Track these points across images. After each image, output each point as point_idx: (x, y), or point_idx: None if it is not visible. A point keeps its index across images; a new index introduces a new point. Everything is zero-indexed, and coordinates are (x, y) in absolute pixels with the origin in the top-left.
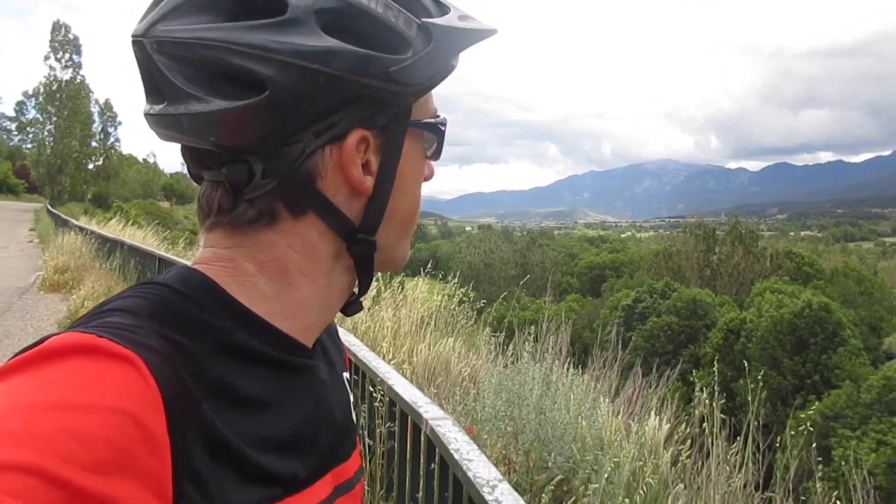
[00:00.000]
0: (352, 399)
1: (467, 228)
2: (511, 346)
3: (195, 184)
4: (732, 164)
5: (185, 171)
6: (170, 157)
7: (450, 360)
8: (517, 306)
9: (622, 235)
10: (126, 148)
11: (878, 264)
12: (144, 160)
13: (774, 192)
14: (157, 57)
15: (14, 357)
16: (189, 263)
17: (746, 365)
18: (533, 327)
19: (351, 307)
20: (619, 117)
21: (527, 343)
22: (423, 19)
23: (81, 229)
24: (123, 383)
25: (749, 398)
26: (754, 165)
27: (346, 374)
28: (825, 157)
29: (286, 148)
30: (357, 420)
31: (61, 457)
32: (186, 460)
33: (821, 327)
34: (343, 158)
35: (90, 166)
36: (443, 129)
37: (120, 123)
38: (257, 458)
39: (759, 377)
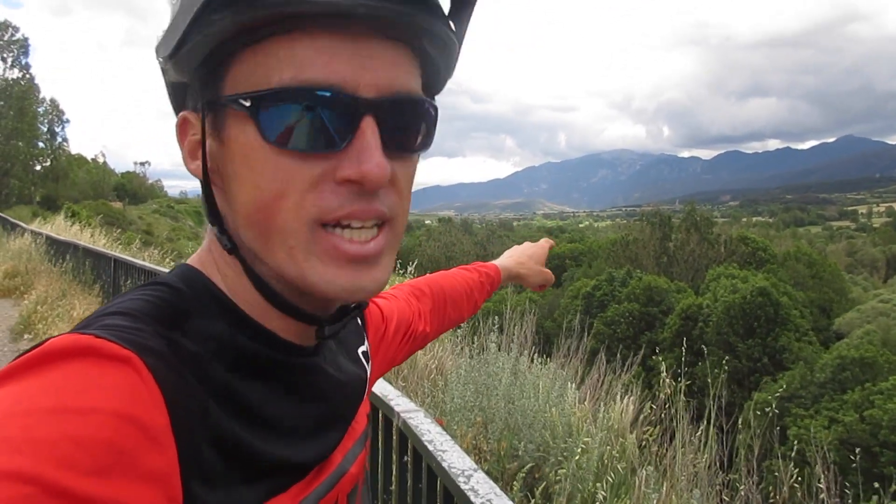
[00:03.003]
0: (369, 372)
1: (427, 222)
2: (476, 338)
3: (147, 183)
4: (685, 153)
5: (137, 169)
6: (121, 156)
7: (416, 354)
8: None
9: (580, 225)
10: (75, 147)
11: (826, 247)
12: (94, 160)
13: (726, 180)
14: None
15: (13, 360)
16: (188, 261)
17: (705, 349)
18: (497, 318)
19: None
20: (574, 108)
21: (492, 334)
22: None
23: (31, 232)
24: (122, 385)
25: (709, 381)
26: (706, 154)
27: (361, 349)
28: (774, 144)
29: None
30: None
31: (60, 462)
32: (194, 459)
33: (763, 311)
34: (177, 140)
35: (37, 168)
36: (271, 110)
37: (68, 122)
38: (264, 452)
39: (723, 361)
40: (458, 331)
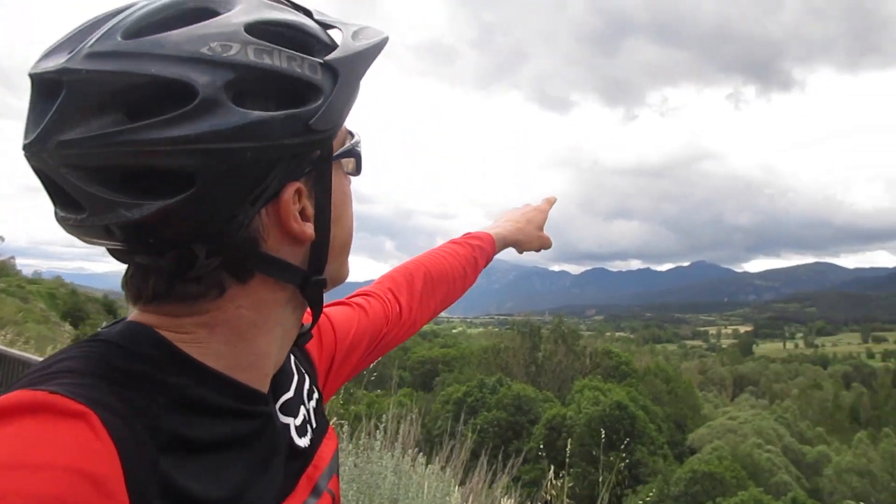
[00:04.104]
0: (314, 401)
1: None
2: (361, 436)
3: None
4: (556, 267)
5: None
6: None
7: None
8: (350, 399)
9: (454, 331)
10: None
11: (681, 364)
12: None
13: (592, 295)
14: (64, 170)
15: None
16: (131, 317)
17: (567, 461)
18: (383, 417)
19: (303, 338)
20: (453, 216)
21: (377, 433)
22: (326, 58)
23: None
24: (76, 440)
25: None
26: (575, 269)
27: (286, 397)
28: (636, 264)
29: (226, 225)
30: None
31: None
32: None
33: (622, 425)
34: (281, 215)
35: None
36: (359, 148)
37: None
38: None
39: (578, 472)
40: (341, 428)
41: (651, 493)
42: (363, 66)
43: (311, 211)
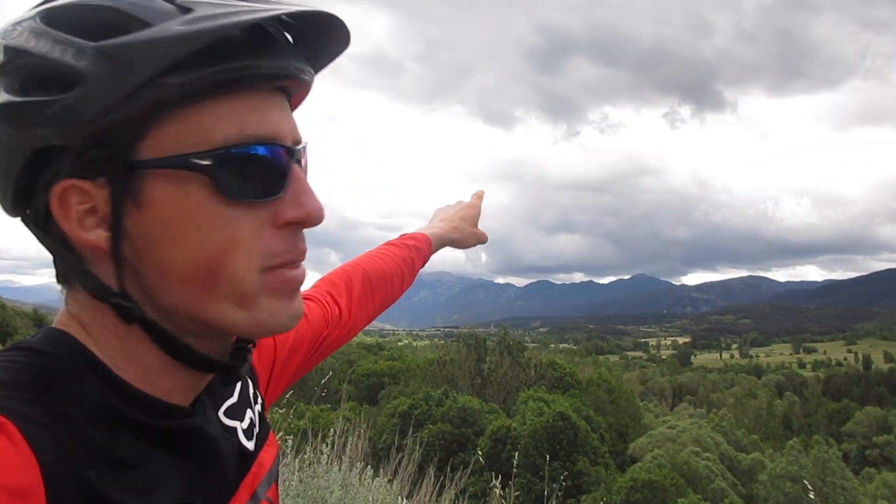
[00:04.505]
0: (258, 406)
1: None
2: (306, 451)
3: None
4: (501, 280)
5: None
6: None
7: None
8: (293, 415)
9: (400, 343)
10: None
11: (623, 375)
12: None
13: (537, 307)
14: None
15: None
16: (55, 322)
17: (513, 472)
18: (330, 430)
19: (229, 373)
20: (398, 228)
21: (324, 446)
22: (102, 42)
23: None
24: None
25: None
26: (519, 281)
27: (229, 402)
28: (579, 277)
29: (26, 214)
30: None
31: None
32: None
33: (565, 435)
34: (55, 214)
35: None
36: (234, 158)
37: None
38: None
39: (523, 483)
40: (286, 443)
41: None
42: (162, 55)
43: (108, 220)
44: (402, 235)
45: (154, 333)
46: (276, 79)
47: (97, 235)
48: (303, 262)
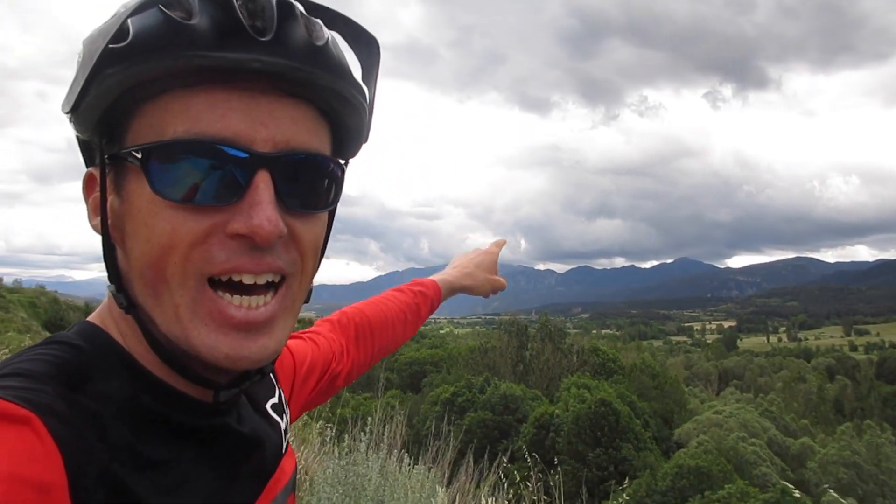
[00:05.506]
0: (283, 425)
1: None
2: (346, 439)
3: None
4: (541, 266)
5: None
6: None
7: None
8: (337, 402)
9: (441, 331)
10: None
11: (667, 360)
12: None
13: (578, 293)
14: None
15: None
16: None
17: (556, 459)
18: (368, 419)
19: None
20: (437, 216)
21: (363, 434)
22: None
23: None
24: (19, 446)
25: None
26: (560, 267)
27: (272, 402)
28: (620, 262)
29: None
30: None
31: None
32: None
33: (607, 421)
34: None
35: None
36: (175, 156)
37: None
38: None
39: (567, 469)
40: (326, 432)
41: (631, 490)
42: (93, 51)
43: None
44: (411, 281)
45: (143, 330)
46: (228, 71)
47: (96, 222)
48: (258, 301)
